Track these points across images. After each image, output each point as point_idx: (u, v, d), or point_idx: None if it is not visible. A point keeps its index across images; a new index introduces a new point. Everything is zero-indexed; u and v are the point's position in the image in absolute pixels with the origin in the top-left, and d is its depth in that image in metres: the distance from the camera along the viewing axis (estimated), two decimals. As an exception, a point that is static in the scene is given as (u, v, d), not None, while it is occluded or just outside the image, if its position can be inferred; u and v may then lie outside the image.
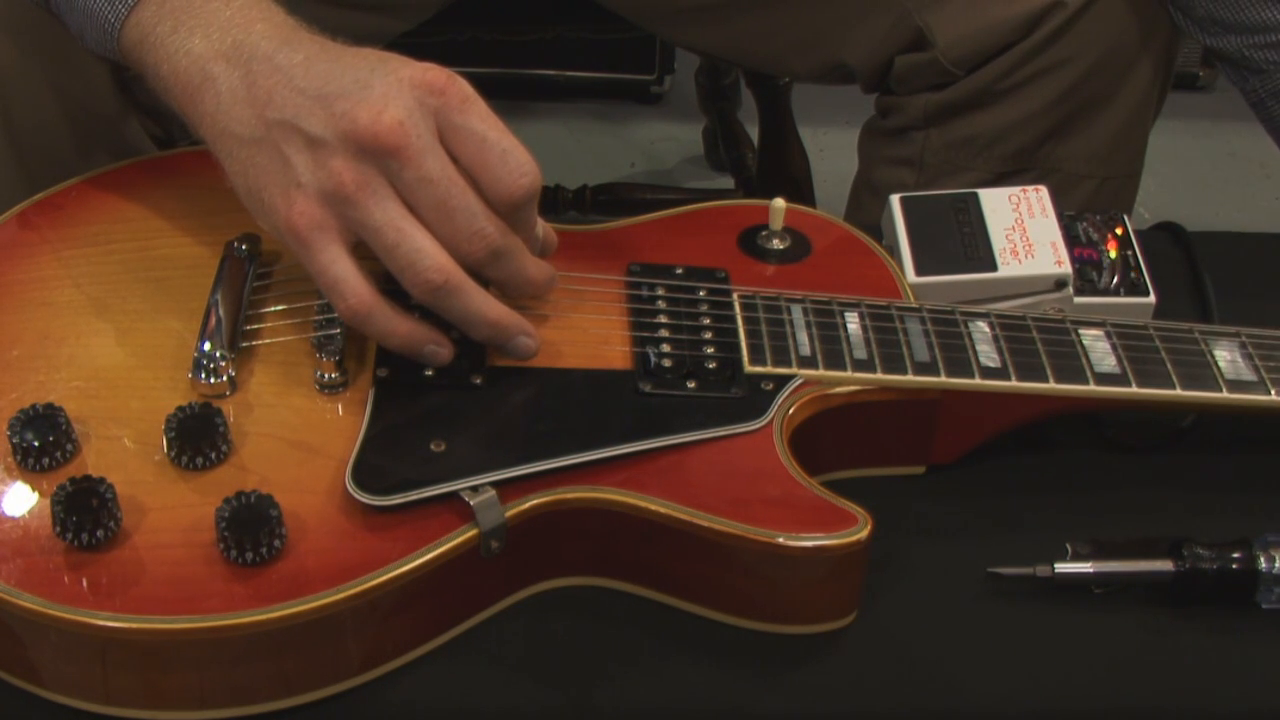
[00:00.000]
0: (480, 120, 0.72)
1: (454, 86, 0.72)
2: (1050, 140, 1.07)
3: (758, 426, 0.75)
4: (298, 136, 0.72)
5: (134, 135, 0.97)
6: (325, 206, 0.71)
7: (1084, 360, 0.80)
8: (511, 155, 0.72)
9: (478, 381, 0.76)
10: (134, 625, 0.65)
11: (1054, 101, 1.05)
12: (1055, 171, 1.08)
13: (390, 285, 0.74)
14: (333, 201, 0.71)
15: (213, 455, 0.71)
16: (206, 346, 0.75)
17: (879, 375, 0.78)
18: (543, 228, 0.79)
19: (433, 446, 0.72)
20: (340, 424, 0.73)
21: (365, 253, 0.73)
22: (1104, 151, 1.08)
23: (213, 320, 0.76)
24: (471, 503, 0.69)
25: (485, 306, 0.74)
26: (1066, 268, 0.86)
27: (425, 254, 0.71)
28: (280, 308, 0.79)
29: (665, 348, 0.78)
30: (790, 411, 0.76)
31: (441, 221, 0.72)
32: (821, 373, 0.78)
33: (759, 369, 0.78)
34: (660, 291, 0.82)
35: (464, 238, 0.72)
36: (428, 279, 0.71)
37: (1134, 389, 0.79)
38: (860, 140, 1.18)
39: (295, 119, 0.72)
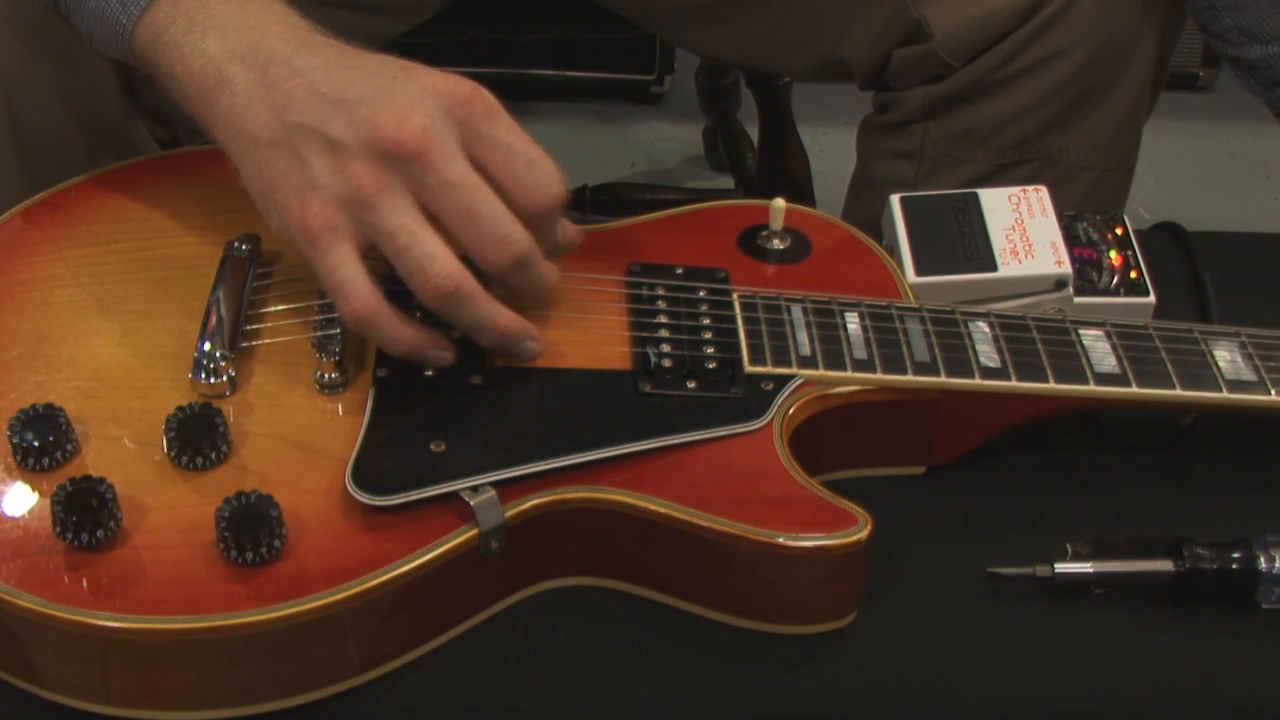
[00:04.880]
0: (507, 131, 0.73)
1: (479, 97, 0.73)
2: (1050, 131, 1.07)
3: (758, 426, 0.75)
4: (317, 139, 0.72)
5: (139, 138, 0.97)
6: (341, 209, 0.71)
7: (1084, 360, 0.80)
8: (539, 164, 0.73)
9: (477, 381, 0.76)
10: (134, 625, 0.65)
11: (1052, 91, 1.05)
12: (1055, 163, 1.08)
13: (392, 286, 0.74)
14: (349, 205, 0.71)
15: (213, 455, 0.71)
16: (207, 346, 0.75)
17: (879, 375, 0.78)
18: (564, 228, 0.79)
19: (433, 447, 0.72)
20: (340, 424, 0.74)
21: (372, 254, 0.73)
22: (1104, 143, 1.09)
23: (213, 320, 0.76)
24: (471, 503, 0.69)
25: (494, 313, 0.74)
26: (1066, 268, 0.86)
27: (437, 259, 0.71)
28: (280, 308, 0.79)
29: (665, 348, 0.78)
30: (790, 411, 0.76)
31: (466, 227, 0.72)
32: (821, 373, 0.78)
33: (759, 369, 0.78)
34: (660, 291, 0.82)
35: (489, 244, 0.72)
36: (438, 284, 0.71)
37: (1134, 389, 0.79)
38: (858, 135, 1.18)
39: (316, 122, 0.72)
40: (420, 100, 0.71)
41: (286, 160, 0.72)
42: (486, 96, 0.73)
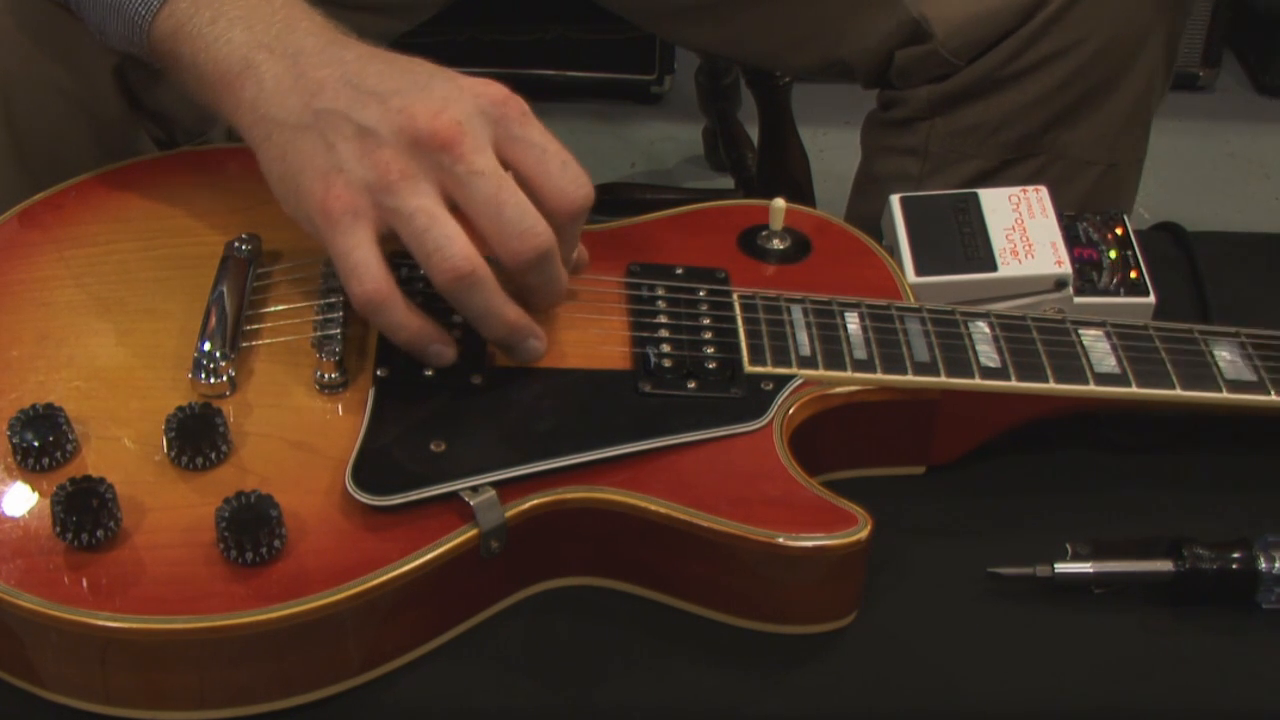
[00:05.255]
0: (539, 133, 0.74)
1: (514, 100, 0.74)
2: (1056, 126, 1.07)
3: (758, 426, 0.75)
4: (347, 126, 0.72)
5: (138, 138, 0.97)
6: (363, 194, 0.72)
7: (1084, 360, 0.80)
8: (570, 166, 0.74)
9: (477, 381, 0.76)
10: (134, 625, 0.65)
11: (1058, 87, 1.05)
12: (1061, 158, 1.08)
13: (402, 275, 0.74)
14: (372, 190, 0.72)
15: (213, 455, 0.71)
16: (206, 346, 0.75)
17: (879, 375, 0.78)
18: (578, 248, 0.79)
19: (433, 446, 0.72)
20: (340, 424, 0.74)
21: (388, 242, 0.73)
22: (1110, 137, 1.08)
23: (213, 320, 0.76)
24: (471, 503, 0.69)
25: (505, 305, 0.74)
26: (1066, 268, 0.86)
27: (455, 241, 0.71)
28: (281, 307, 0.79)
29: (665, 348, 0.78)
30: (790, 411, 0.76)
31: (491, 216, 0.72)
32: (821, 373, 0.78)
33: (759, 369, 0.78)
34: (660, 291, 0.82)
35: (514, 234, 0.72)
36: (455, 265, 0.71)
37: (1134, 389, 0.79)
38: (863, 131, 1.18)
39: (348, 110, 0.72)
40: (456, 97, 0.72)
41: (313, 144, 0.73)
42: (520, 101, 0.74)
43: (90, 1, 0.81)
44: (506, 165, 0.73)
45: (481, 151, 0.72)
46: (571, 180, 0.74)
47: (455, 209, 0.72)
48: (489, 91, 0.73)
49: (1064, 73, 1.05)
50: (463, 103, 0.72)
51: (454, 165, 0.71)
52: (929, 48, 1.06)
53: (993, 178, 1.09)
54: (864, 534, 0.71)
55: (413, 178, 0.71)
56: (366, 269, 0.72)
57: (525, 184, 0.73)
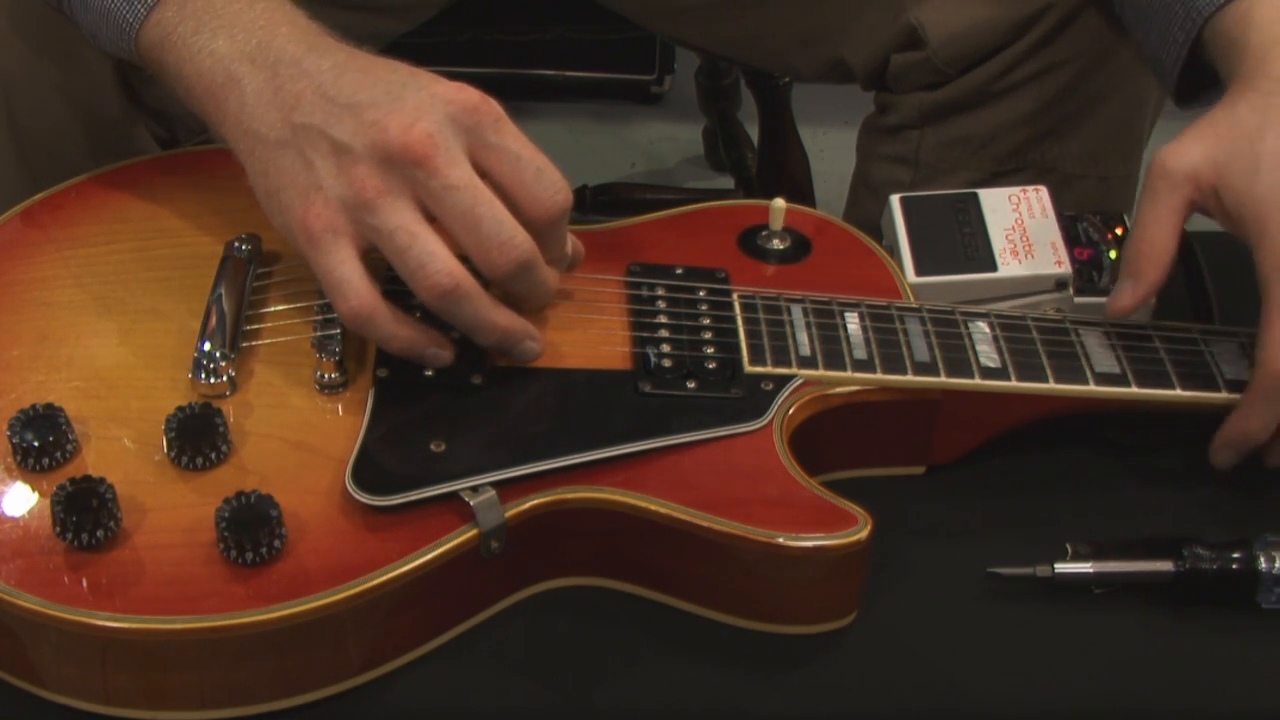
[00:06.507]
0: (514, 140, 0.73)
1: (487, 106, 0.73)
2: (1045, 140, 1.07)
3: (758, 426, 0.75)
4: (324, 142, 0.72)
5: (139, 137, 0.97)
6: (342, 212, 0.72)
7: (1084, 360, 0.80)
8: (546, 173, 0.73)
9: (477, 382, 0.76)
10: (134, 625, 0.65)
11: (1049, 103, 1.05)
12: (1051, 171, 1.08)
13: (391, 286, 0.74)
14: (350, 207, 0.71)
15: (213, 455, 0.71)
16: (207, 346, 0.75)
17: (879, 375, 0.78)
18: (572, 242, 0.79)
19: (433, 446, 0.72)
20: (340, 424, 0.74)
21: (372, 255, 0.73)
22: (1100, 151, 1.08)
23: (213, 320, 0.76)
24: (471, 503, 0.69)
25: (494, 313, 0.74)
26: (1066, 268, 0.86)
27: (437, 257, 0.71)
28: (281, 308, 0.79)
29: (665, 348, 0.78)
30: (790, 411, 0.76)
31: (469, 230, 0.72)
32: (821, 373, 0.78)
33: (759, 369, 0.78)
34: (660, 292, 0.82)
35: (493, 247, 0.72)
36: (438, 282, 0.71)
37: (1134, 389, 0.79)
38: (859, 137, 1.18)
39: (323, 125, 0.72)
40: (428, 106, 0.72)
41: (292, 161, 0.73)
42: (494, 106, 0.73)
43: (82, 6, 0.81)
44: (482, 173, 0.73)
45: (455, 164, 0.71)
46: (546, 187, 0.73)
47: (435, 220, 0.72)
48: (462, 98, 0.73)
49: (1053, 90, 1.05)
50: (434, 113, 0.72)
51: (428, 180, 0.71)
52: (922, 55, 1.06)
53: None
54: (864, 534, 0.71)
55: (389, 194, 0.71)
56: (350, 285, 0.72)
57: (501, 192, 0.73)
